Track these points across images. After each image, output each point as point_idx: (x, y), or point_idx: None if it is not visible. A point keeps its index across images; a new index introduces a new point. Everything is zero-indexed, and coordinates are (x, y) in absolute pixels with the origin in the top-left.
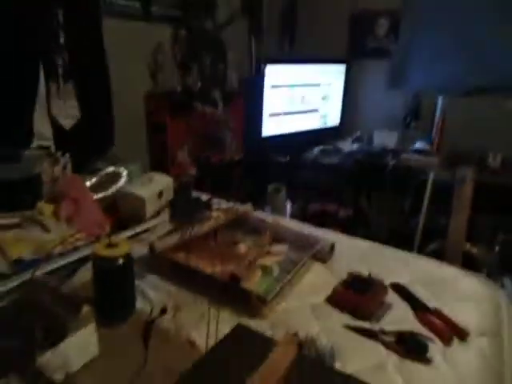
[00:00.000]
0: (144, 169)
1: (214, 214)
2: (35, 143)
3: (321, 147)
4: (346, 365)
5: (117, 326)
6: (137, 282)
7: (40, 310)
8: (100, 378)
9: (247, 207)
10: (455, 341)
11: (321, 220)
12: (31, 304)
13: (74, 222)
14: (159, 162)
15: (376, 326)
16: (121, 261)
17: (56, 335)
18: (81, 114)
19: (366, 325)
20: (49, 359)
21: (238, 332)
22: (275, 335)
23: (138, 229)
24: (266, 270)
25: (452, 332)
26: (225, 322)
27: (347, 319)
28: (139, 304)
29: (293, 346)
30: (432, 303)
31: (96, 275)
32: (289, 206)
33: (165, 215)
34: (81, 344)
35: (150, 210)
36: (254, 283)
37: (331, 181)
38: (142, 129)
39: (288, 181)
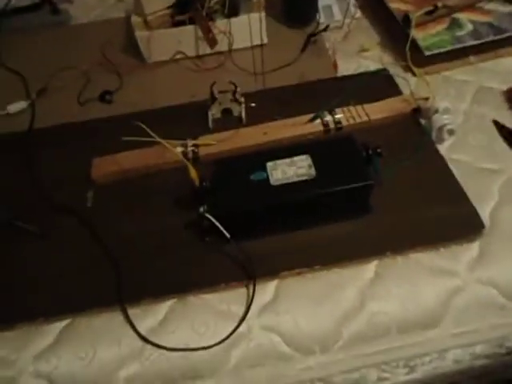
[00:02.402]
0: None
1: None
2: None
3: None
4: (456, 153)
5: (296, 28)
6: (327, 1)
7: None
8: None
9: None
10: None
11: None
12: None
13: None
14: None
15: None
16: None
17: (232, 12)
18: None
19: None
20: (221, 26)
21: (378, 74)
22: (411, 91)
23: None
24: (455, 24)
25: None
26: (381, 65)
27: (507, 117)
28: (322, 18)
29: (406, 106)
30: None
31: None
32: None
33: None
34: (248, 25)
35: None
36: (429, 33)
37: None
38: None
39: None
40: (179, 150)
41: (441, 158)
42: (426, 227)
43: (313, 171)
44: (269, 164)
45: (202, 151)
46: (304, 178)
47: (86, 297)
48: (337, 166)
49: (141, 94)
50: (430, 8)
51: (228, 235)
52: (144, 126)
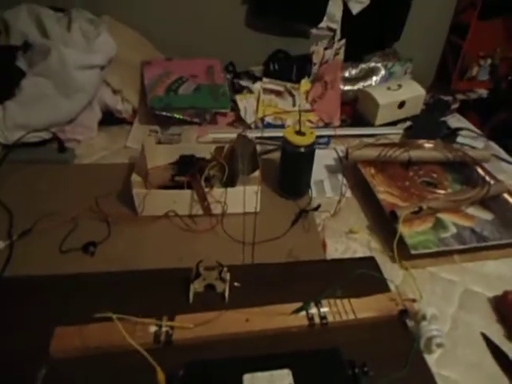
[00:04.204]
0: (427, 72)
1: (432, 145)
2: (324, 23)
3: None
4: (445, 367)
5: (288, 199)
6: (323, 175)
7: (234, 157)
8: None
9: (485, 155)
10: None
11: None
12: (232, 150)
13: (315, 104)
14: (445, 69)
15: None
16: (302, 149)
17: (229, 181)
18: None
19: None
20: (217, 195)
21: (366, 262)
22: (397, 287)
23: (366, 131)
24: (439, 225)
25: None
26: (369, 249)
27: (496, 331)
28: (314, 193)
29: (393, 306)
30: None
31: (281, 154)
32: None
33: (401, 127)
34: (243, 196)
35: (383, 116)
36: (414, 231)
37: None
38: (443, 29)
39: None
40: (152, 329)
41: (430, 376)
42: None
43: None
44: (246, 377)
45: (178, 333)
46: None
47: None
48: None
49: (126, 247)
50: (416, 209)
51: None
52: (115, 318)
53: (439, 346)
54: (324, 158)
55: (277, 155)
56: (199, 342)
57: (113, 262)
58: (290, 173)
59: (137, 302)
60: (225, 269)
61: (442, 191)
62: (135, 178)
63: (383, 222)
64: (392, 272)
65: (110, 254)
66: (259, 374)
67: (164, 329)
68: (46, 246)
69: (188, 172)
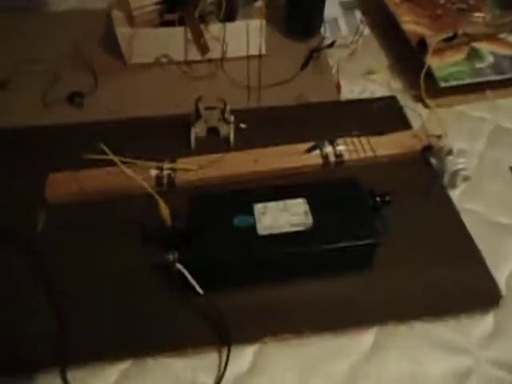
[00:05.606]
0: None
1: None
2: None
3: None
4: (468, 201)
5: (298, 40)
6: (337, 12)
7: None
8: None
9: None
10: None
11: None
12: None
13: None
14: None
15: None
16: None
17: (228, 16)
18: None
19: None
20: (215, 32)
21: (386, 101)
22: (421, 125)
23: None
24: (474, 54)
25: None
26: (389, 90)
27: None
28: (327, 31)
29: (416, 142)
30: None
31: None
32: None
33: None
34: (245, 33)
35: None
36: (445, 63)
37: None
38: None
39: None
40: (153, 173)
41: (453, 209)
42: (434, 293)
43: (309, 220)
44: (257, 206)
45: (180, 177)
46: (298, 228)
47: (15, 354)
48: (337, 215)
49: (117, 98)
50: (450, 35)
51: (201, 291)
52: (108, 151)
53: (466, 179)
54: None
55: None
56: (204, 185)
57: (103, 114)
58: (299, 6)
59: (133, 151)
60: (228, 107)
61: (479, 14)
62: (117, 13)
63: (407, 59)
64: (415, 112)
65: (100, 105)
66: (272, 204)
67: (166, 172)
68: (28, 99)
69: (179, 9)
